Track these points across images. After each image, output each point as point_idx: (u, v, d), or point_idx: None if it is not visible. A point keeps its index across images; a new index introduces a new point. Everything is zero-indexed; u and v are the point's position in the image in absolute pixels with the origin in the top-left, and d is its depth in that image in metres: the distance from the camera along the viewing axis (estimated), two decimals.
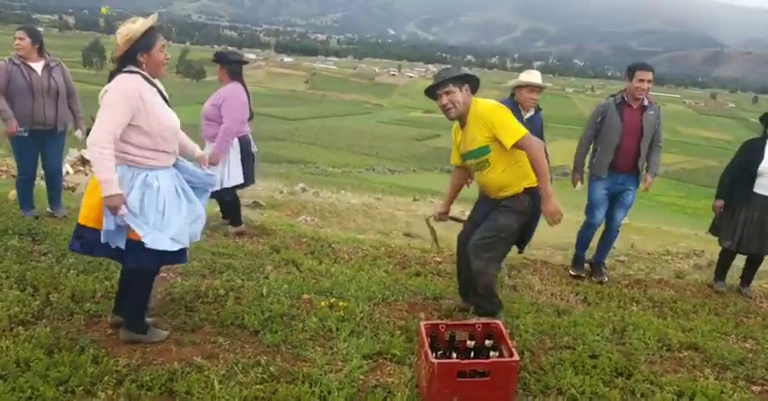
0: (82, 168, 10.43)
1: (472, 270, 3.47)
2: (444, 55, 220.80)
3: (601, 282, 4.87)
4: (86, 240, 2.91)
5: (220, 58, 5.00)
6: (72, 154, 10.38)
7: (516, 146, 3.28)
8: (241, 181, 5.07)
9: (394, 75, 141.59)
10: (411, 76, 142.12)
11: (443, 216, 3.93)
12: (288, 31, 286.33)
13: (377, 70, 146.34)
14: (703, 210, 41.92)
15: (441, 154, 59.85)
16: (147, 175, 2.83)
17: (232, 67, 4.98)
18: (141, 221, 2.79)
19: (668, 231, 12.40)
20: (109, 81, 2.84)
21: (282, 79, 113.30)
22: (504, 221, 3.44)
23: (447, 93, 3.37)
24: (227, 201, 5.20)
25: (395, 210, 10.53)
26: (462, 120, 3.47)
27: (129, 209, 2.75)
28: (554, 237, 8.10)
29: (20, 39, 4.67)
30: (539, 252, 6.97)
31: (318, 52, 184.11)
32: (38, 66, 4.75)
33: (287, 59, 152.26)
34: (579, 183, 4.82)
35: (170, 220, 2.84)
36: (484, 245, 3.43)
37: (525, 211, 3.45)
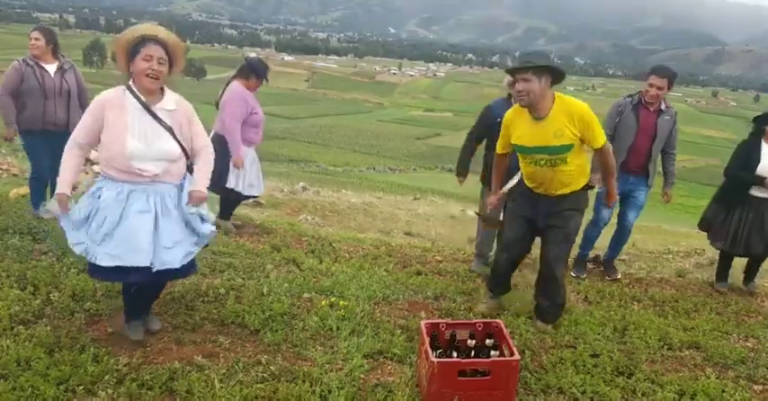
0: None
1: (556, 279, 3.58)
2: (445, 53, 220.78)
3: (615, 279, 4.90)
4: None
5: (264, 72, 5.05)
6: None
7: (602, 149, 3.38)
8: (261, 191, 5.34)
9: (394, 73, 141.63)
10: (412, 75, 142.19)
11: (497, 203, 3.87)
12: (288, 29, 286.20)
13: (377, 69, 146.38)
14: None
15: (441, 152, 59.84)
16: (98, 187, 2.83)
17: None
18: (76, 229, 2.80)
19: (669, 230, 12.39)
20: None
21: (283, 78, 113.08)
22: (575, 225, 3.56)
23: (524, 80, 3.20)
24: (231, 200, 5.20)
25: (395, 209, 10.52)
26: (537, 111, 3.28)
27: (68, 215, 2.79)
28: None
29: (35, 39, 4.65)
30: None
31: (319, 51, 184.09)
32: (51, 67, 4.75)
33: (287, 58, 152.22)
34: (600, 183, 4.80)
35: (111, 235, 2.74)
36: (565, 256, 3.61)
37: (585, 208, 3.63)
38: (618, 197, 4.77)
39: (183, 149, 2.90)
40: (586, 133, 3.29)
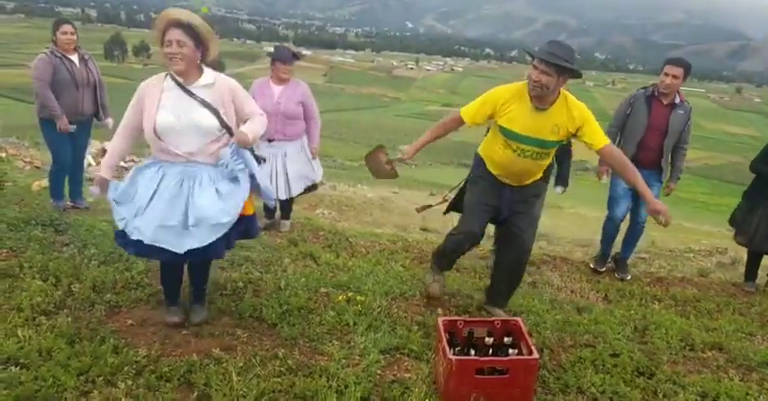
0: (102, 159, 10.55)
1: (525, 263, 3.61)
2: (463, 48, 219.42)
3: (623, 280, 4.80)
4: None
5: (297, 58, 5.00)
6: (94, 145, 10.52)
7: (603, 150, 3.23)
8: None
9: (412, 68, 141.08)
10: (429, 70, 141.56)
11: (405, 160, 3.55)
12: (306, 24, 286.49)
13: (395, 63, 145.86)
14: (727, 207, 41.06)
15: (458, 148, 59.45)
16: (145, 164, 2.97)
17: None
18: (119, 205, 2.92)
19: (690, 228, 12.20)
20: None
21: (301, 72, 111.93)
22: (538, 211, 3.62)
23: (544, 72, 3.06)
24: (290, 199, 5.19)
25: (411, 204, 10.50)
26: (542, 102, 3.20)
27: (114, 191, 2.91)
28: (574, 233, 8.02)
29: (70, 33, 4.77)
30: (558, 247, 6.90)
31: (336, 45, 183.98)
32: (75, 58, 4.86)
33: (305, 52, 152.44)
34: (605, 176, 4.73)
35: (143, 213, 2.87)
36: (532, 240, 3.60)
37: (545, 195, 3.76)
38: (629, 194, 4.70)
39: (223, 123, 2.91)
40: (584, 131, 3.21)
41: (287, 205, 5.26)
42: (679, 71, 4.41)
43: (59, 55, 4.74)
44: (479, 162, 3.58)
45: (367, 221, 7.94)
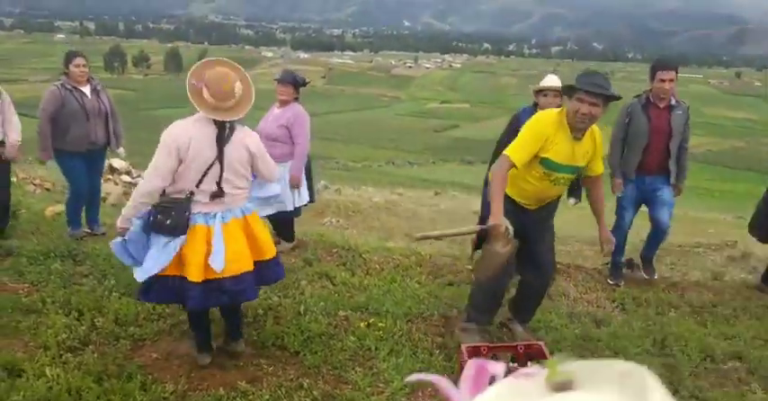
0: (111, 177, 10.64)
1: (546, 286, 3.65)
2: (460, 44, 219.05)
3: (650, 279, 4.87)
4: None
5: (298, 82, 4.97)
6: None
7: (600, 176, 3.46)
8: (307, 200, 5.20)
9: (410, 66, 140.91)
10: (428, 67, 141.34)
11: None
12: (303, 27, 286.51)
13: (393, 63, 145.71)
14: (731, 193, 41.10)
15: (460, 145, 59.53)
16: None
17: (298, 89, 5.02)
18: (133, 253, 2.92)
19: (696, 217, 12.17)
20: None
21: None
22: (553, 229, 3.68)
23: (594, 105, 3.04)
24: (286, 219, 5.17)
25: (418, 206, 10.53)
26: (582, 132, 3.23)
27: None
28: (581, 231, 8.02)
29: (83, 66, 4.85)
30: (567, 247, 6.91)
31: (334, 47, 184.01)
32: (87, 89, 4.91)
33: (303, 55, 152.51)
34: (621, 189, 4.73)
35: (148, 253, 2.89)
36: (554, 264, 3.74)
37: None
38: (636, 202, 4.75)
39: None
40: (596, 156, 3.38)
41: (282, 227, 5.23)
42: (672, 74, 4.46)
43: (70, 87, 4.80)
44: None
45: (374, 226, 7.98)
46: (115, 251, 2.92)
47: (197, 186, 2.85)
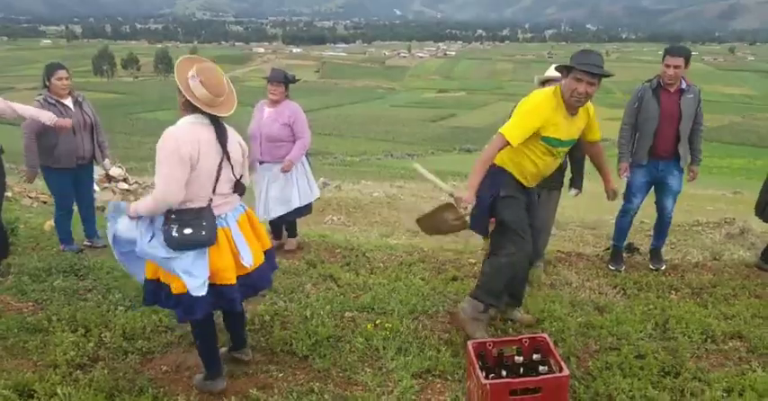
0: (108, 184, 10.61)
1: (527, 264, 3.64)
2: (454, 31, 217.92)
3: (658, 269, 4.88)
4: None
5: (289, 80, 5.06)
6: (96, 172, 10.57)
7: (599, 143, 3.74)
8: (318, 194, 5.36)
9: (404, 56, 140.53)
10: (422, 56, 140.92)
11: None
12: (294, 21, 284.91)
13: (386, 53, 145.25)
14: (729, 169, 41.03)
15: (457, 133, 59.40)
16: None
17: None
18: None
19: (694, 194, 12.16)
20: None
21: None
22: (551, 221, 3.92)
23: (590, 83, 3.19)
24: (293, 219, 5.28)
25: (418, 199, 10.56)
26: (578, 109, 3.39)
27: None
28: (581, 214, 8.05)
29: (65, 78, 4.70)
30: (567, 232, 6.95)
31: (326, 40, 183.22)
32: (69, 102, 4.79)
33: (295, 50, 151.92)
34: (627, 173, 4.76)
35: None
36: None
37: None
38: (647, 186, 4.77)
39: None
40: (590, 125, 3.56)
41: (288, 225, 5.36)
42: (680, 61, 4.44)
43: (53, 101, 4.66)
44: (503, 176, 3.45)
45: (376, 222, 8.01)
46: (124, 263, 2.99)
47: (213, 191, 2.78)
